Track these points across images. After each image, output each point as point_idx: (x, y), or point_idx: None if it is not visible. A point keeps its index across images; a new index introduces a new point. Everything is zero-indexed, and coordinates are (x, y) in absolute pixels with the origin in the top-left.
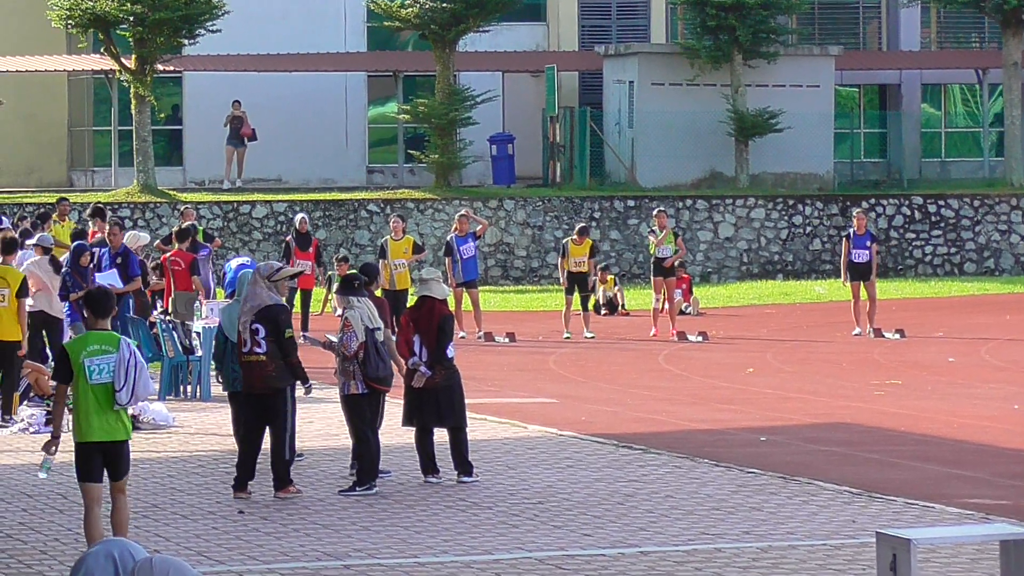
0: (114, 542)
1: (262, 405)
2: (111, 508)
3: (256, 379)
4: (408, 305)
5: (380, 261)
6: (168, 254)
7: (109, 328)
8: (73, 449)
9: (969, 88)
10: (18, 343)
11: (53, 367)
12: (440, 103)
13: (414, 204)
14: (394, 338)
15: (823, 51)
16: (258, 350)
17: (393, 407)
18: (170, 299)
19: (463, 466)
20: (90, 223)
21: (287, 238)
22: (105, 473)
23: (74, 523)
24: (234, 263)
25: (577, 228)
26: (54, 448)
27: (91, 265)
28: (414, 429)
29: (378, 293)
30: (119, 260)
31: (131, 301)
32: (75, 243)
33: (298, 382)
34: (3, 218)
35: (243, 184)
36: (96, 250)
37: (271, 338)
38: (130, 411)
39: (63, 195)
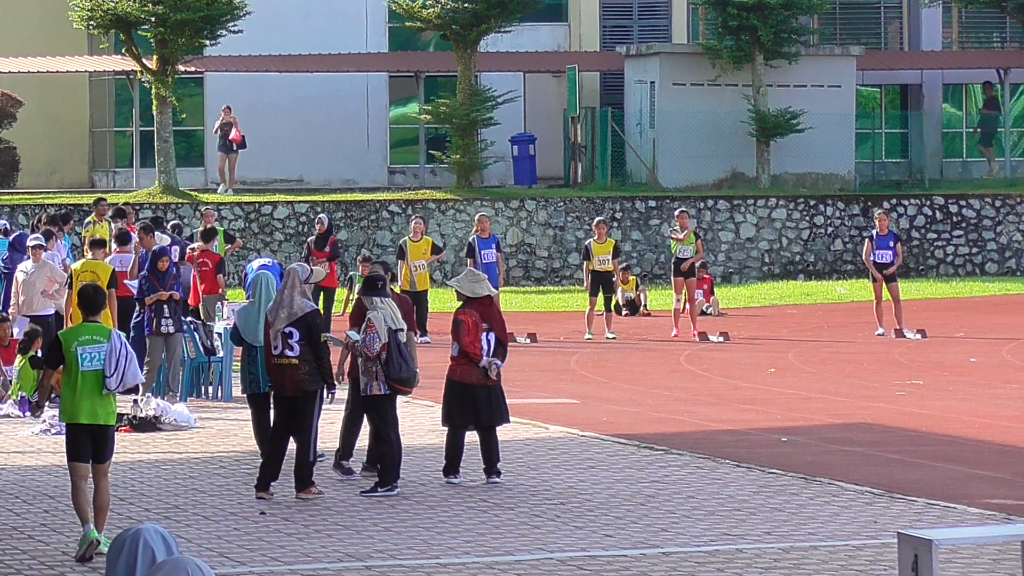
0: (158, 526)
1: (292, 407)
2: (94, 491)
3: (288, 381)
4: (462, 305)
5: (400, 262)
6: (195, 252)
7: (99, 321)
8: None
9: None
10: None
11: (44, 353)
12: (461, 104)
13: (435, 205)
14: (417, 340)
15: (844, 51)
16: (290, 353)
17: (415, 408)
18: (200, 303)
19: (495, 466)
20: (93, 227)
21: (309, 239)
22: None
23: None
24: (256, 264)
25: (595, 221)
26: (39, 412)
27: (172, 270)
28: (448, 428)
29: (396, 289)
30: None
31: (165, 305)
32: (155, 248)
33: (325, 386)
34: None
35: (266, 187)
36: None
37: (304, 342)
38: (151, 412)
39: (100, 195)
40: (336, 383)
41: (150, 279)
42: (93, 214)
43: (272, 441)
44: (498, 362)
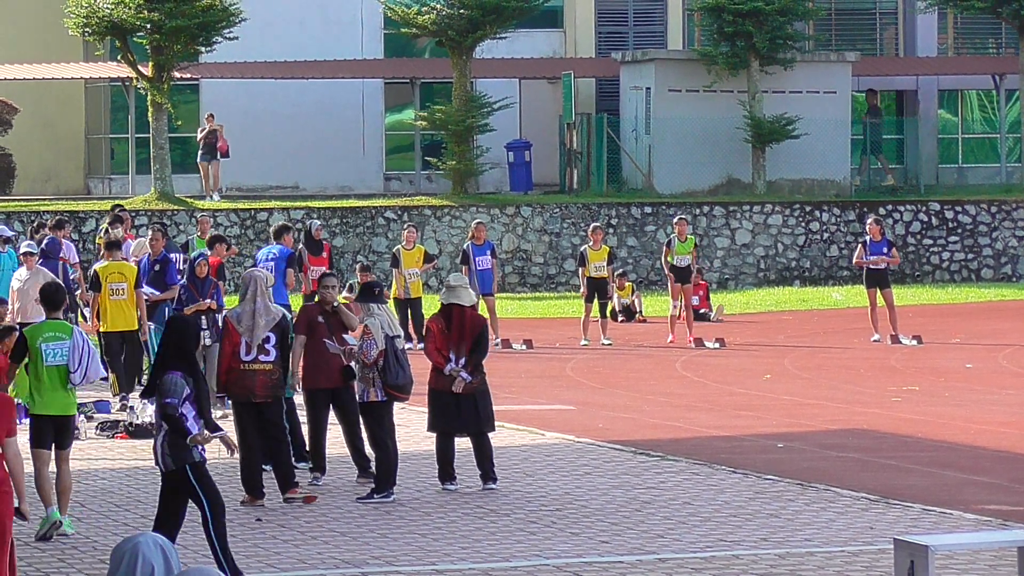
0: (156, 535)
1: (260, 413)
2: (56, 475)
3: (259, 387)
4: (435, 312)
5: (394, 270)
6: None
7: (61, 318)
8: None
9: (986, 94)
10: (135, 332)
11: (12, 348)
12: (457, 110)
13: (431, 211)
14: (409, 345)
15: (840, 57)
16: (265, 358)
17: (411, 414)
18: None
19: (490, 472)
20: (111, 231)
21: (299, 246)
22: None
23: (92, 531)
24: (262, 254)
25: (591, 227)
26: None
27: (211, 278)
28: (436, 435)
29: (390, 299)
30: (157, 267)
31: (167, 309)
32: (195, 254)
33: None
34: (6, 228)
35: (262, 193)
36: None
37: (278, 346)
38: (147, 419)
39: (118, 202)
40: (294, 389)
41: (189, 288)
42: (107, 221)
43: (251, 449)
44: (464, 374)
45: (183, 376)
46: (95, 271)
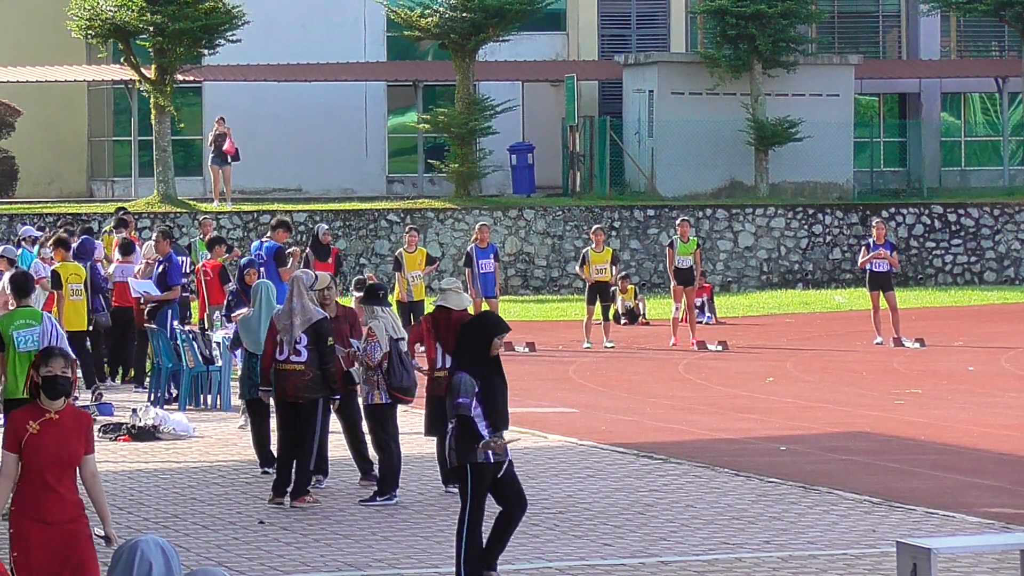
0: (157, 536)
1: (294, 413)
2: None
3: (290, 387)
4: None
5: (397, 274)
6: (200, 264)
7: (32, 306)
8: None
9: (989, 97)
10: (85, 332)
11: None
12: (460, 113)
13: (434, 214)
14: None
15: (843, 60)
16: (296, 359)
17: (414, 416)
18: (205, 313)
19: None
20: (115, 234)
21: (306, 250)
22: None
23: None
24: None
25: (593, 229)
26: None
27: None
28: (435, 439)
29: (392, 302)
30: (160, 268)
31: (170, 311)
32: (243, 260)
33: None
34: (32, 228)
35: (265, 196)
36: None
37: (311, 347)
38: (150, 421)
39: (121, 205)
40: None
41: (238, 294)
42: (112, 224)
43: (283, 447)
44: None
45: (471, 376)
46: (54, 271)
